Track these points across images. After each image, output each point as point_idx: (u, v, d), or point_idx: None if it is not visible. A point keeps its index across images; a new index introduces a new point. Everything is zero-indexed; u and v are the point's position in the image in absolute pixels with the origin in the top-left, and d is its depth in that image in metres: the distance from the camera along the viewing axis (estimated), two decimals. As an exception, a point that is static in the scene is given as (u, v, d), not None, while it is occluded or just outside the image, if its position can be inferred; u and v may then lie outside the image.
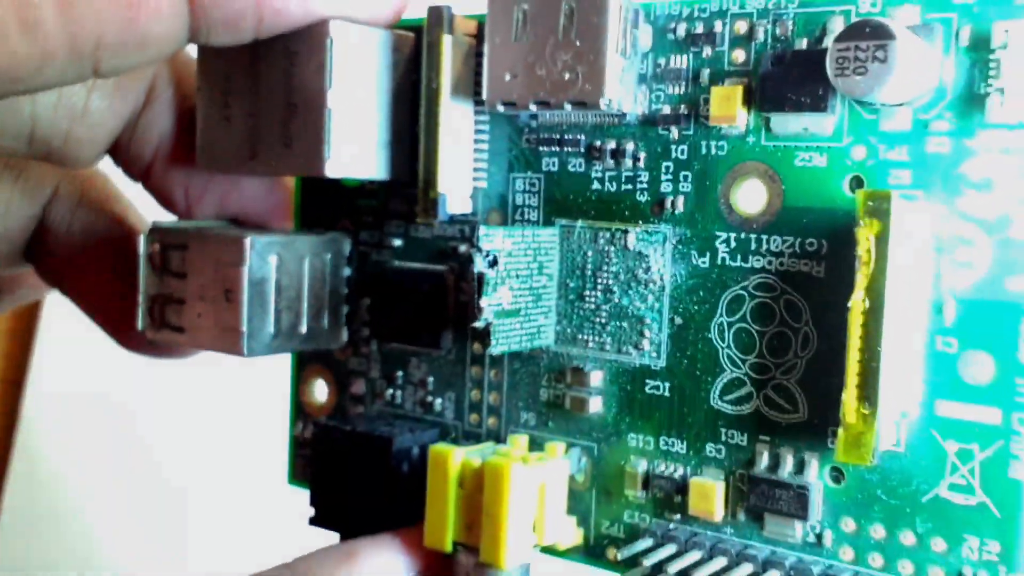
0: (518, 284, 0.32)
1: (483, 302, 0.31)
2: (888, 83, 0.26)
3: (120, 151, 0.40)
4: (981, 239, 0.27)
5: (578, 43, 0.31)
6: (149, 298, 0.38)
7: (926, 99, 0.27)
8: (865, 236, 0.26)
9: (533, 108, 0.31)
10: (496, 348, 0.32)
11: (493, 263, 0.31)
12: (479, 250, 0.31)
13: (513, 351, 0.33)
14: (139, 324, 0.38)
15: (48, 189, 0.41)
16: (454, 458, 0.32)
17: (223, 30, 0.32)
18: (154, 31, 0.31)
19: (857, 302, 0.27)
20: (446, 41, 0.33)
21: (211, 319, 0.36)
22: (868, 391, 0.27)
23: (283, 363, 0.41)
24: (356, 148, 0.34)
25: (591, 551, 0.34)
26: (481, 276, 0.31)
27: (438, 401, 0.37)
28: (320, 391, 0.40)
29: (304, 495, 0.37)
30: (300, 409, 0.41)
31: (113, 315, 0.42)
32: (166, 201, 0.40)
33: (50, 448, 0.66)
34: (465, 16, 0.34)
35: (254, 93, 0.35)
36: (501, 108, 0.32)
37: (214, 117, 0.37)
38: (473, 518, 0.31)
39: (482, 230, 0.31)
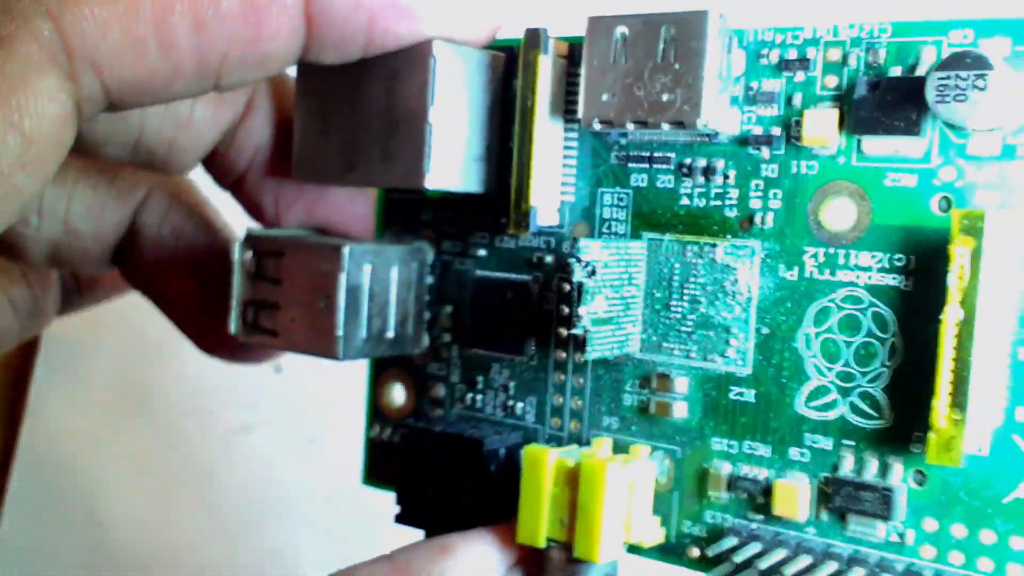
0: (612, 293, 0.34)
1: (582, 310, 0.33)
2: (986, 111, 0.27)
3: (216, 160, 0.41)
4: (1066, 257, 0.29)
5: (677, 66, 0.32)
6: (242, 303, 0.39)
7: (1016, 124, 0.29)
8: (960, 253, 0.28)
9: (630, 127, 0.33)
10: (591, 355, 0.34)
11: (592, 273, 0.33)
12: (578, 260, 0.33)
13: (605, 357, 0.34)
14: (232, 328, 0.39)
15: (140, 193, 0.42)
16: (549, 458, 0.33)
17: (334, 50, 0.34)
18: (273, 49, 0.33)
19: (950, 315, 0.29)
20: (542, 61, 0.35)
21: (306, 323, 0.38)
22: (959, 398, 0.29)
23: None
24: (452, 163, 0.36)
25: (672, 549, 0.35)
26: (580, 285, 0.33)
27: (519, 405, 0.39)
28: (398, 395, 0.42)
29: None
30: (377, 412, 0.42)
31: (196, 320, 0.43)
32: (255, 209, 0.42)
33: (58, 438, 0.67)
34: (558, 38, 0.36)
35: (354, 108, 0.37)
36: (598, 126, 0.34)
37: (312, 130, 0.38)
38: (566, 516, 0.33)
39: (582, 242, 0.33)
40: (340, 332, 0.37)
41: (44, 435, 0.66)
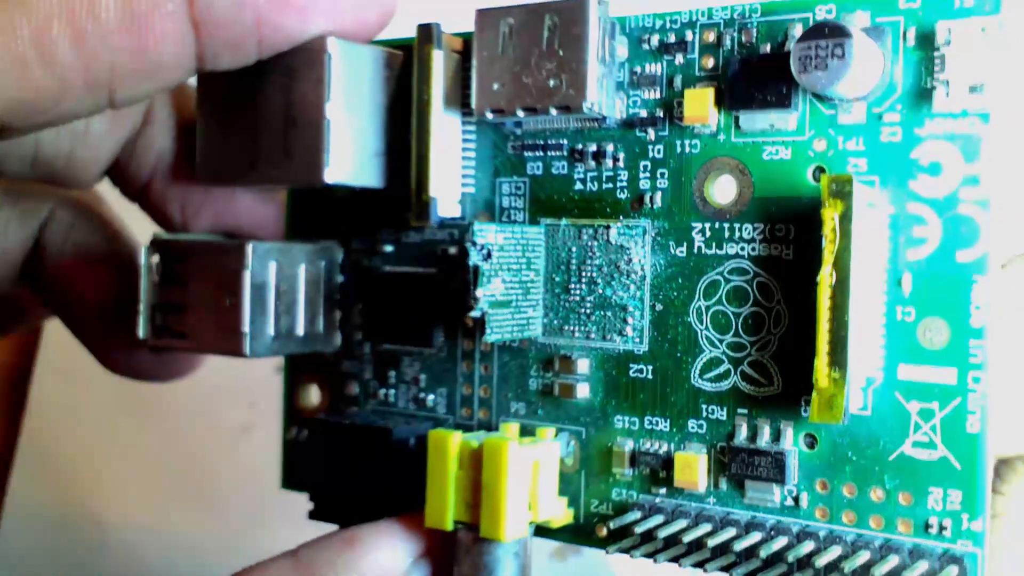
0: (509, 277, 0.35)
1: (478, 292, 0.34)
2: (846, 76, 0.29)
3: (119, 171, 0.42)
4: (932, 217, 0.30)
5: (561, 52, 0.33)
6: (149, 307, 0.39)
7: (878, 94, 0.30)
8: (830, 216, 0.29)
9: (520, 114, 0.34)
10: (491, 336, 0.34)
11: (487, 256, 0.34)
12: (474, 244, 0.34)
13: (505, 339, 0.35)
14: (140, 333, 0.39)
15: (44, 210, 0.42)
16: (453, 440, 0.34)
17: (227, 52, 0.34)
18: (164, 57, 0.33)
19: (825, 276, 0.29)
20: (436, 56, 0.36)
21: (213, 323, 0.38)
22: (838, 357, 0.29)
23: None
24: (352, 157, 0.37)
25: (581, 530, 0.36)
26: (476, 268, 0.34)
27: (430, 397, 0.39)
28: (313, 395, 0.42)
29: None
30: (294, 413, 0.43)
31: (100, 338, 0.44)
32: (163, 218, 0.42)
33: (58, 438, 0.67)
34: (451, 34, 0.37)
35: (253, 109, 0.38)
36: (490, 115, 0.35)
37: (214, 133, 0.39)
38: (472, 497, 0.33)
39: (476, 226, 0.34)
40: (246, 329, 0.37)
41: (44, 435, 0.66)
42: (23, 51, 0.31)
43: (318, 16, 0.34)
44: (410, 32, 0.37)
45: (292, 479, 0.42)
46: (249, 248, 0.37)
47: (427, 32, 0.36)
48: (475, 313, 0.34)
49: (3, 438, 0.68)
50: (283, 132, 0.37)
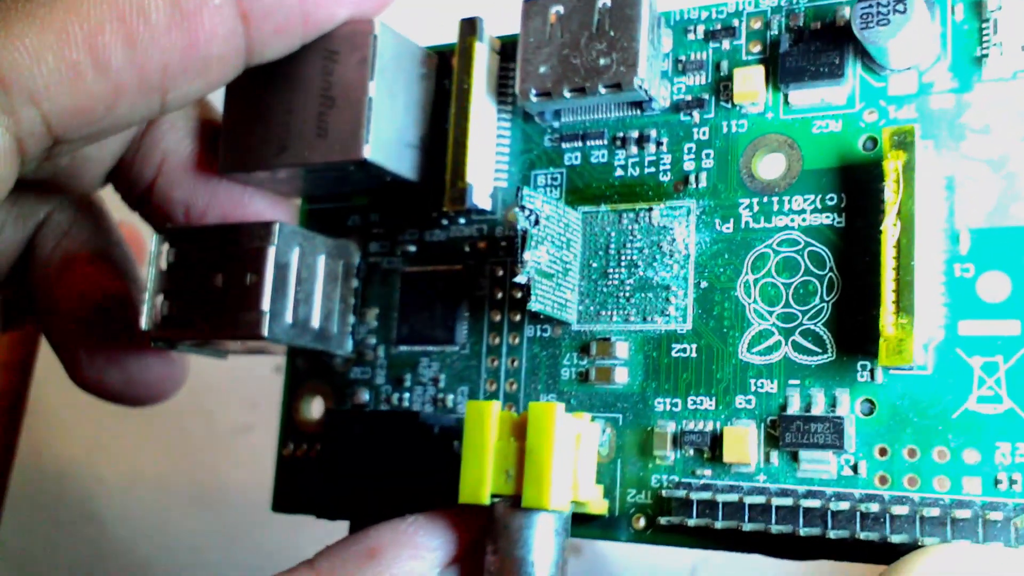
0: (553, 249, 0.34)
1: (526, 255, 0.33)
2: (907, 30, 0.30)
3: (123, 173, 0.41)
4: (986, 175, 0.31)
5: (612, 33, 0.34)
6: (154, 297, 0.37)
7: (928, 63, 0.32)
8: (894, 167, 0.30)
9: (567, 95, 0.34)
10: (534, 304, 0.33)
11: (536, 222, 0.33)
12: (522, 208, 0.33)
13: (546, 312, 0.34)
14: (143, 324, 0.37)
15: (41, 213, 0.41)
16: (493, 408, 0.32)
17: (275, 40, 0.34)
18: (214, 53, 0.33)
19: (888, 226, 0.30)
20: (478, 47, 0.37)
21: (227, 306, 0.36)
22: (904, 303, 0.29)
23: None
24: (389, 141, 0.37)
25: (616, 523, 0.34)
26: (525, 232, 0.33)
27: (450, 397, 0.37)
28: (315, 408, 0.40)
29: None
30: (292, 428, 0.40)
31: (70, 348, 0.41)
32: (166, 223, 0.41)
33: (58, 438, 0.65)
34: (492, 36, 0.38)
35: (285, 92, 0.37)
36: (535, 98, 0.35)
37: (241, 120, 0.38)
38: (513, 466, 0.31)
39: (525, 190, 0.33)
40: (266, 307, 0.35)
41: (44, 435, 0.64)
42: (77, 57, 0.31)
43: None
44: (447, 38, 0.38)
45: (288, 501, 0.39)
46: (276, 226, 0.36)
47: (471, 24, 0.37)
48: (521, 278, 0.33)
49: (3, 438, 0.64)
50: (318, 113, 0.37)
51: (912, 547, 0.29)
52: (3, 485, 0.64)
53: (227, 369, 0.43)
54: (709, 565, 0.45)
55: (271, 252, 0.36)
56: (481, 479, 0.32)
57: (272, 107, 0.37)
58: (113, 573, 0.60)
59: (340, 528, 0.36)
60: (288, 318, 0.36)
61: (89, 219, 0.42)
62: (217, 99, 0.39)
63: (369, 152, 0.36)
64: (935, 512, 0.29)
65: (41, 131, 0.30)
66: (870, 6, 0.31)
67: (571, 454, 0.32)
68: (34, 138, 0.30)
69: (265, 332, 0.35)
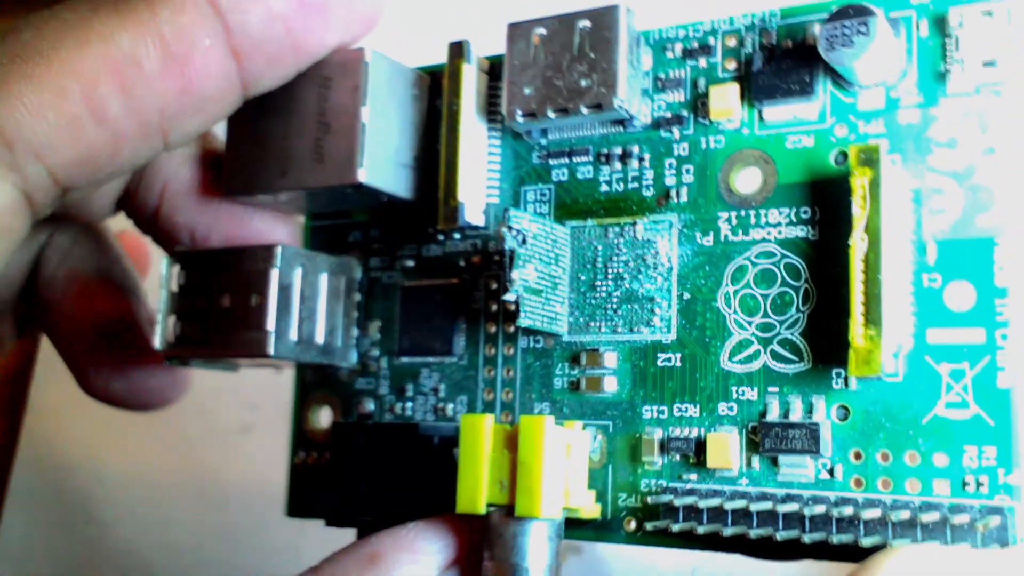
0: (541, 266, 0.36)
1: (514, 274, 0.34)
2: (870, 49, 0.31)
3: (129, 200, 0.42)
4: (953, 187, 0.32)
5: (592, 55, 0.36)
6: (167, 318, 0.39)
7: (896, 79, 0.33)
8: (860, 184, 0.31)
9: (551, 115, 0.36)
10: (523, 321, 0.35)
11: (523, 241, 0.35)
12: (509, 228, 0.35)
13: (536, 327, 0.36)
14: (156, 343, 0.39)
15: (44, 235, 0.43)
16: (487, 422, 0.34)
17: (268, 71, 0.35)
18: (209, 91, 0.34)
19: (856, 240, 0.31)
20: (466, 69, 0.38)
21: (235, 326, 0.38)
22: (872, 315, 0.31)
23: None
24: (384, 162, 0.38)
25: (608, 525, 0.35)
26: (512, 251, 0.35)
27: (450, 406, 0.39)
28: (323, 418, 0.42)
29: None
30: (303, 437, 0.42)
31: (80, 360, 0.43)
32: (173, 245, 0.43)
33: (58, 438, 0.66)
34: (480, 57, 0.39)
35: (283, 118, 0.39)
36: (520, 119, 0.36)
37: (243, 144, 0.40)
38: (506, 477, 0.33)
39: (511, 211, 0.35)
40: (271, 327, 0.37)
41: (44, 435, 0.65)
42: (76, 111, 0.32)
43: (338, 8, 0.36)
44: (438, 58, 0.39)
45: (302, 506, 0.41)
46: (278, 249, 0.38)
47: (459, 47, 0.38)
48: (510, 296, 0.34)
49: (3, 438, 0.67)
50: (315, 139, 0.38)
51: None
52: (4, 485, 0.66)
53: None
54: (709, 565, 0.46)
55: (274, 274, 0.37)
56: (477, 489, 0.33)
57: (272, 133, 0.39)
58: (113, 573, 0.62)
59: (340, 528, 0.37)
60: (293, 336, 0.38)
61: (89, 238, 0.44)
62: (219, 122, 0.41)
63: (364, 176, 0.37)
64: (905, 515, 0.30)
65: (48, 184, 0.32)
66: (835, 28, 0.32)
67: (561, 464, 0.33)
68: (42, 191, 0.32)
69: (271, 351, 0.37)
